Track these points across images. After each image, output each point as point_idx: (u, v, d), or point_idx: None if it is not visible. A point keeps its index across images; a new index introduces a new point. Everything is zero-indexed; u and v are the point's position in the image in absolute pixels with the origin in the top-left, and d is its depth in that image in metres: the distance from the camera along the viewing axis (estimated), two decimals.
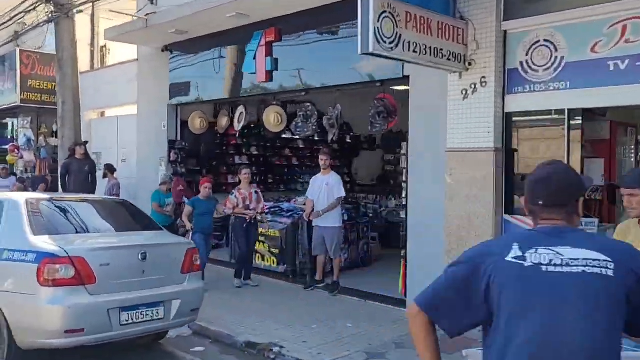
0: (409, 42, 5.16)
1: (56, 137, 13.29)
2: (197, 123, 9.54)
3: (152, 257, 4.30)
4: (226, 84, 9.00)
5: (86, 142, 8.91)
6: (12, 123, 15.77)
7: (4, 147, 16.04)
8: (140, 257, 4.25)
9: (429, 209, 6.15)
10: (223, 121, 9.20)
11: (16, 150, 13.14)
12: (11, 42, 14.56)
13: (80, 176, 8.71)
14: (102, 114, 12.74)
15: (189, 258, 4.60)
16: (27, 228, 4.24)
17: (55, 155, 13.33)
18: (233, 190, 7.13)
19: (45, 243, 4.09)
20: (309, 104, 7.85)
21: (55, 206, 4.73)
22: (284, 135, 10.10)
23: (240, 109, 8.87)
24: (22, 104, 12.36)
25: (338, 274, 7.19)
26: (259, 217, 7.02)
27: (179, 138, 10.15)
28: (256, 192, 7.14)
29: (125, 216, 5.14)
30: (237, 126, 8.91)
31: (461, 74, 5.82)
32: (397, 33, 5.04)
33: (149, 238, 4.72)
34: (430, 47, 5.38)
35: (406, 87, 7.39)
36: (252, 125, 9.33)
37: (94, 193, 9.08)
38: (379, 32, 4.87)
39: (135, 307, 4.17)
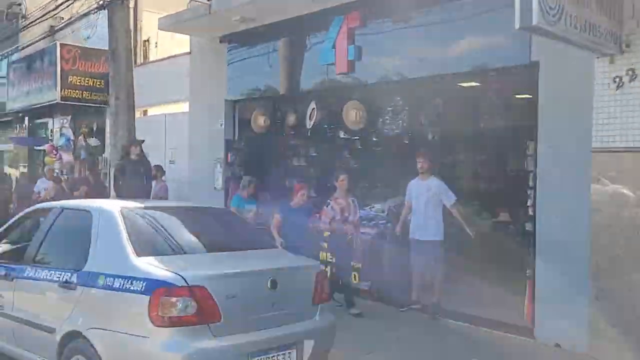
0: (570, 16, 4.20)
1: (95, 137, 12.55)
2: (260, 121, 8.64)
3: (282, 285, 3.37)
4: (295, 76, 8.09)
5: (142, 141, 8.04)
6: (48, 123, 15.08)
7: (37, 147, 15.37)
8: (269, 285, 3.33)
9: (566, 221, 5.15)
10: (291, 119, 8.27)
11: (54, 151, 12.37)
12: (46, 38, 13.89)
13: (135, 178, 7.82)
14: (145, 112, 11.94)
15: (320, 284, 3.65)
16: (128, 247, 3.34)
17: (92, 157, 12.55)
18: (328, 200, 6.13)
19: (154, 267, 3.17)
20: (398, 98, 6.87)
21: (153, 217, 3.81)
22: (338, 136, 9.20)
23: (312, 104, 7.94)
24: (62, 102, 11.57)
25: (439, 294, 6.21)
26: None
27: (236, 137, 9.27)
28: (353, 200, 6.14)
29: (235, 230, 4.20)
30: (309, 124, 7.98)
31: (613, 58, 4.82)
32: (559, 4, 4.08)
33: (275, 260, 3.78)
34: (590, 23, 4.40)
35: (475, 83, 6.43)
36: (313, 124, 8.33)
37: (149, 197, 8.20)
38: (543, 0, 3.93)
39: (265, 351, 3.23)
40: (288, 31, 8.08)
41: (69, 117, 12.49)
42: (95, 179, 10.85)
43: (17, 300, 3.85)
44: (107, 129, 12.48)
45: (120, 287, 3.16)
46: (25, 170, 15.59)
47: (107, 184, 12.05)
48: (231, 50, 9.00)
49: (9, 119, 17.01)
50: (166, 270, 3.12)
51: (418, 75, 6.48)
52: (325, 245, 6.25)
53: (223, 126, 9.20)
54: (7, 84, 14.07)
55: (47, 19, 12.59)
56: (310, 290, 3.59)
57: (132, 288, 3.11)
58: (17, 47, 14.29)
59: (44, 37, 13.85)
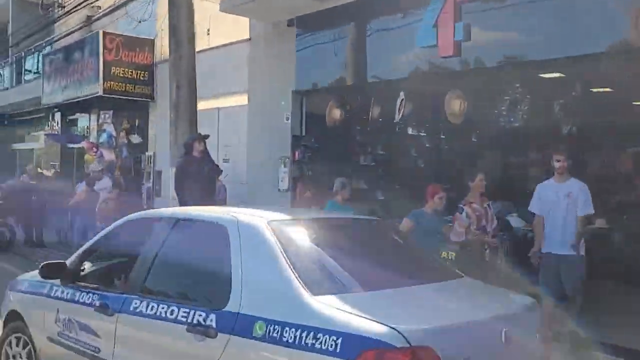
0: None
1: (137, 134, 11.67)
2: (336, 114, 7.66)
3: (515, 337, 2.32)
4: (380, 63, 7.05)
5: (207, 136, 7.11)
6: (79, 120, 14.24)
7: (71, 145, 14.52)
8: (503, 338, 2.30)
9: None
10: (375, 111, 7.28)
11: (94, 148, 11.50)
12: (81, 29, 13.07)
13: (199, 179, 6.89)
14: None
15: (543, 328, 2.61)
16: (295, 280, 2.33)
17: (129, 156, 11.67)
18: (460, 205, 5.07)
19: (349, 314, 2.14)
20: (518, 85, 5.83)
21: (311, 235, 2.76)
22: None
23: (401, 95, 6.94)
24: (105, 95, 10.69)
25: (579, 319, 5.14)
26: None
27: (304, 133, 8.29)
28: (488, 205, 5.07)
29: (409, 251, 3.15)
30: (397, 116, 6.98)
31: None
32: None
33: (496, 299, 2.72)
34: None
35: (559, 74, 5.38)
36: (402, 117, 7.32)
37: (214, 200, 7.26)
38: None
39: None
40: (372, 10, 7.06)
41: (111, 112, 11.59)
42: (126, 181, 9.82)
43: (121, 344, 2.84)
44: (150, 125, 11.64)
45: (296, 342, 2.13)
46: (58, 169, 14.78)
47: (151, 185, 11.20)
48: (301, 35, 8.01)
49: (41, 115, 16.26)
50: (372, 320, 2.07)
51: (548, 57, 5.41)
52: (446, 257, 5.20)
53: (289, 120, 8.24)
54: (42, 78, 13.24)
55: (84, 6, 11.80)
56: (534, 338, 2.55)
57: (317, 346, 2.08)
58: (52, 38, 13.51)
59: (80, 28, 13.05)
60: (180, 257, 2.91)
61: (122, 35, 10.82)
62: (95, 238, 3.44)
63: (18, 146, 19.27)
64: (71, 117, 14.40)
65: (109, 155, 11.11)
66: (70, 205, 10.38)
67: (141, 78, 10.93)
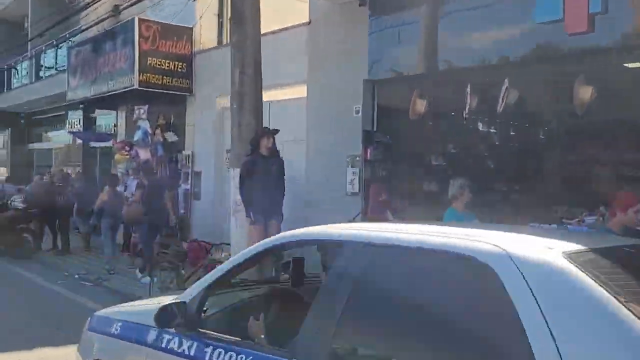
0: None
1: (172, 131, 10.68)
2: (420, 106, 6.65)
3: None
4: (479, 44, 6.04)
5: (276, 131, 6.13)
6: (97, 118, 13.29)
7: (93, 144, 13.59)
8: None
9: None
10: (472, 101, 6.25)
11: (125, 147, 10.52)
12: (108, 19, 12.14)
13: (268, 181, 5.91)
14: None
15: None
16: None
17: (165, 155, 10.67)
18: None
19: None
20: None
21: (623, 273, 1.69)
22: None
23: (505, 82, 5.91)
24: (140, 88, 9.71)
25: None
26: None
27: (375, 128, 7.29)
28: None
29: None
30: (499, 106, 5.96)
31: None
32: None
33: None
34: None
35: None
36: (505, 107, 6.28)
37: (281, 207, 6.25)
38: None
39: None
40: None
41: (146, 107, 10.60)
42: (152, 182, 8.79)
43: None
44: (187, 121, 10.67)
45: None
46: (80, 170, 13.83)
47: (189, 187, 10.24)
48: (375, 15, 7.02)
49: (60, 113, 15.33)
50: None
51: None
52: None
53: (360, 114, 7.24)
54: (67, 71, 12.28)
55: None
56: None
57: None
58: (78, 28, 12.55)
59: (106, 18, 12.12)
60: (397, 310, 1.84)
61: (159, 22, 9.85)
62: (224, 267, 2.40)
63: (35, 146, 18.36)
64: (94, 115, 13.44)
65: (145, 155, 10.12)
66: (96, 207, 9.50)
67: (179, 70, 9.97)
